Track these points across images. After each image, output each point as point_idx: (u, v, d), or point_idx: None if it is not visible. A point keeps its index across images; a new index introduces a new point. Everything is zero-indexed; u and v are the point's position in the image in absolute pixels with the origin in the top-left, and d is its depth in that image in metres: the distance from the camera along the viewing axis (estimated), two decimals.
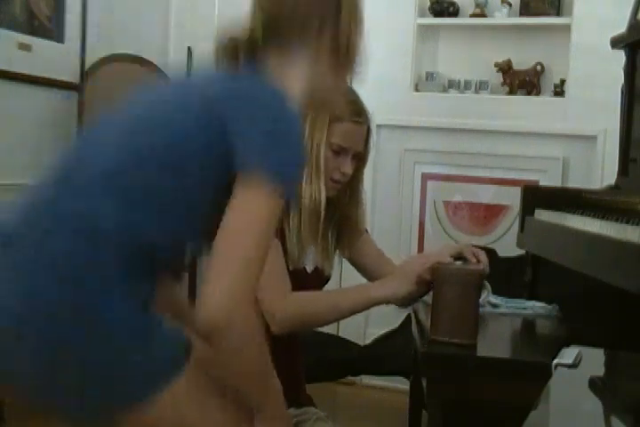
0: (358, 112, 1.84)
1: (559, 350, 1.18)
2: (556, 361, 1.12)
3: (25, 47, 3.33)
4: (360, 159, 1.88)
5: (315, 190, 1.82)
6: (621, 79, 2.31)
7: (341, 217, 1.92)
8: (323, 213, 1.82)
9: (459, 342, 1.57)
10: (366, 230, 2.01)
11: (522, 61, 3.30)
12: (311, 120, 1.81)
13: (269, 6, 1.30)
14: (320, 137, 1.81)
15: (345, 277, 3.22)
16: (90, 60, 3.66)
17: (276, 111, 1.18)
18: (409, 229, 3.43)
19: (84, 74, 3.63)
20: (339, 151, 1.83)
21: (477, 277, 1.61)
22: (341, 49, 1.31)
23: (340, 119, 1.81)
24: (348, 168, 1.85)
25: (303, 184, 1.81)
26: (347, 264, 1.97)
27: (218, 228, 1.12)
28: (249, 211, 1.13)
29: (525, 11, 3.25)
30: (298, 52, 1.29)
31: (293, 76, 1.28)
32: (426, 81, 3.45)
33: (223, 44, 1.31)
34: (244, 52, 1.27)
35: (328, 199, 1.87)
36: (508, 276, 2.42)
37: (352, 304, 1.74)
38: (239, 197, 1.13)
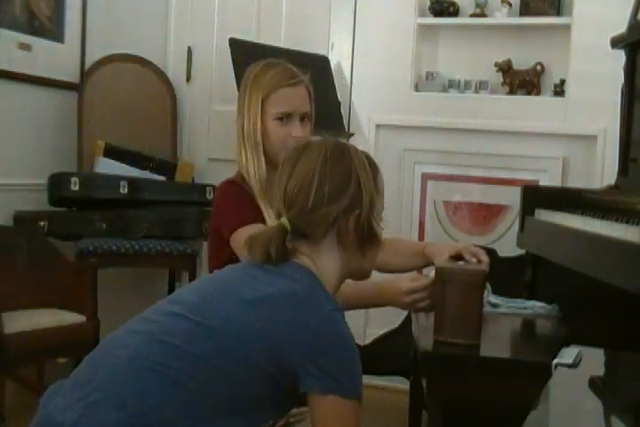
0: (291, 75, 1.89)
1: (559, 350, 1.18)
2: (555, 361, 1.12)
3: (25, 47, 3.33)
4: (309, 120, 1.92)
5: (256, 167, 1.88)
6: (621, 79, 2.31)
7: None
8: (265, 188, 1.87)
9: (462, 343, 1.57)
10: None
11: (522, 61, 3.29)
12: (247, 102, 1.88)
13: (295, 200, 1.34)
14: (255, 116, 1.87)
15: None
16: (90, 60, 3.67)
17: (327, 336, 1.25)
18: (409, 229, 3.43)
19: (83, 74, 3.63)
20: (283, 118, 1.87)
21: (480, 277, 1.61)
22: (365, 230, 1.37)
23: (275, 88, 1.87)
24: (298, 131, 1.88)
25: (249, 165, 1.88)
26: None
27: None
28: (343, 423, 1.24)
29: (525, 11, 3.25)
30: (326, 240, 1.36)
31: (328, 270, 1.36)
32: (426, 81, 3.44)
33: (255, 238, 1.35)
34: (276, 243, 1.32)
35: None
36: (508, 276, 2.42)
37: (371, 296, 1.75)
38: (326, 416, 1.24)
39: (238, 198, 1.88)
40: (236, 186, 1.90)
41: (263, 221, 1.84)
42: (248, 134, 1.88)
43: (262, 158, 1.88)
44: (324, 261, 1.36)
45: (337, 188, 1.34)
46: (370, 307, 1.84)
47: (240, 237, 1.81)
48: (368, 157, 1.42)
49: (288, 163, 1.38)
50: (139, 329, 1.31)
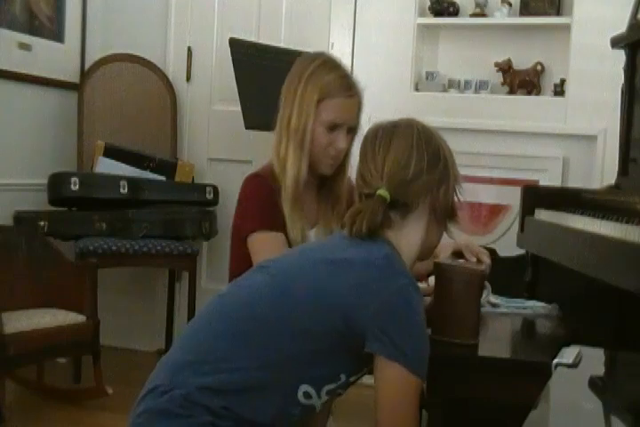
0: (349, 86, 1.84)
1: (559, 349, 1.18)
2: (556, 361, 1.12)
3: (25, 47, 3.33)
4: (353, 133, 1.88)
5: (297, 167, 1.83)
6: (621, 79, 2.31)
7: (334, 194, 1.93)
8: (301, 190, 1.84)
9: (461, 342, 1.56)
10: None
11: (522, 61, 3.29)
12: (299, 98, 1.82)
13: (396, 171, 1.43)
14: (306, 116, 1.82)
15: None
16: (90, 60, 3.67)
17: (398, 308, 1.32)
18: None
19: (83, 74, 3.63)
20: (332, 128, 1.83)
21: (478, 276, 1.61)
22: (449, 206, 1.47)
23: (331, 95, 1.82)
24: (342, 143, 1.84)
25: (289, 162, 1.83)
26: None
27: None
28: (399, 392, 1.31)
29: (525, 10, 3.25)
30: (417, 212, 1.45)
31: (410, 243, 1.45)
32: (426, 81, 3.44)
33: (356, 212, 1.42)
34: (376, 214, 1.40)
35: (324, 177, 1.89)
36: (508, 276, 2.42)
37: None
38: (385, 382, 1.31)
39: (263, 198, 1.84)
40: (264, 183, 1.85)
41: (283, 224, 1.81)
42: (296, 131, 1.82)
43: (307, 161, 1.84)
44: (409, 234, 1.45)
45: (431, 160, 1.45)
46: None
47: (256, 242, 1.81)
48: None
49: (380, 142, 1.48)
50: (231, 292, 1.44)
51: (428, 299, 1.64)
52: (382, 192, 1.41)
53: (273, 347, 1.31)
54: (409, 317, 1.31)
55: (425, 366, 1.33)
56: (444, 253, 1.78)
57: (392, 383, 1.31)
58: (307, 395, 1.33)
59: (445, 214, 1.49)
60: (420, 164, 1.43)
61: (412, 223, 1.45)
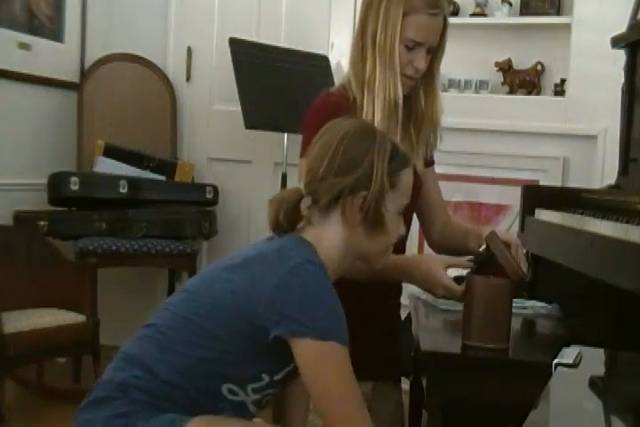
0: (434, 3, 1.76)
1: (559, 349, 1.18)
2: (556, 361, 1.12)
3: (25, 47, 3.33)
4: (435, 53, 1.82)
5: (389, 87, 1.76)
6: (621, 79, 2.31)
7: (418, 113, 1.86)
8: (400, 109, 1.77)
9: (491, 347, 1.55)
10: (433, 162, 1.97)
11: (522, 61, 3.30)
12: (384, 13, 1.76)
13: (312, 168, 1.43)
14: (393, 31, 1.75)
15: None
16: (89, 60, 3.67)
17: (287, 284, 1.31)
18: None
19: (83, 73, 3.63)
20: (412, 46, 1.77)
21: (506, 287, 1.58)
22: (370, 213, 1.41)
23: (414, 11, 1.74)
24: (421, 63, 1.78)
25: (377, 82, 1.77)
26: None
27: None
28: (324, 367, 1.29)
29: (525, 10, 3.25)
30: (334, 214, 1.42)
31: (330, 244, 1.42)
32: None
33: (273, 198, 1.44)
34: (287, 204, 1.41)
35: (404, 96, 1.81)
36: None
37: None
38: (306, 362, 1.29)
39: (324, 121, 1.74)
40: (332, 107, 1.76)
41: None
42: (383, 48, 1.76)
43: (399, 81, 1.75)
44: (328, 234, 1.43)
45: (347, 164, 1.40)
46: (396, 278, 1.74)
47: (300, 167, 1.76)
48: (397, 150, 1.46)
49: (320, 133, 1.47)
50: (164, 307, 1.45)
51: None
52: (301, 185, 1.43)
53: (188, 354, 1.32)
54: (301, 288, 1.30)
55: (340, 329, 1.30)
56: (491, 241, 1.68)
57: (312, 360, 1.28)
58: (231, 391, 1.34)
59: (366, 225, 1.43)
60: (331, 164, 1.40)
61: (331, 224, 1.42)
